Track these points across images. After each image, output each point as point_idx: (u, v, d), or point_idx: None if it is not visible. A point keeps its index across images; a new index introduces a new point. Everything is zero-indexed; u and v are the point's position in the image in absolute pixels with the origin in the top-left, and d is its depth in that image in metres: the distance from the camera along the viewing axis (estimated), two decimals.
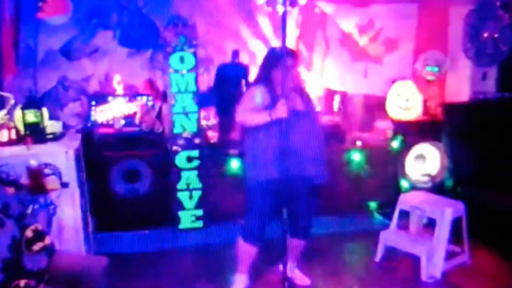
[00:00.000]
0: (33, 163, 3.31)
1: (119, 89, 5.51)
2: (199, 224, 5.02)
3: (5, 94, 3.80)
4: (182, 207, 4.98)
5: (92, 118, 5.19)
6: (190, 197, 4.97)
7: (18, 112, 3.71)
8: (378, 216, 5.32)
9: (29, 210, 2.44)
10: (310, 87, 5.46)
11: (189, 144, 4.94)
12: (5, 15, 4.78)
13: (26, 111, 3.63)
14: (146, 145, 4.97)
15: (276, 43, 5.72)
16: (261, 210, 3.42)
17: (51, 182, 3.40)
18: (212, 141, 5.70)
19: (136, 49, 5.93)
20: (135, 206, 4.91)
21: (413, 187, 5.24)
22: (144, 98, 5.29)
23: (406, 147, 5.37)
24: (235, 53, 6.07)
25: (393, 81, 5.54)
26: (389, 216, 4.53)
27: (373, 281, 4.02)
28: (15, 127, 3.64)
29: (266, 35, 6.25)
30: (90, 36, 5.77)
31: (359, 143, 5.47)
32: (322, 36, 6.20)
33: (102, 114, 5.19)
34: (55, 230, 3.45)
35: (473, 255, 4.15)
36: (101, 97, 5.30)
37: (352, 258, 4.46)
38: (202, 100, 5.21)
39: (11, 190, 2.68)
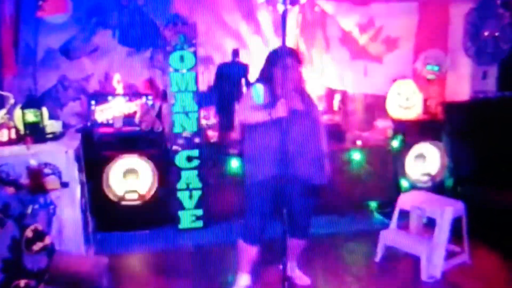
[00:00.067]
0: (33, 162, 3.32)
1: (119, 89, 5.50)
2: (199, 224, 5.02)
3: (4, 93, 3.81)
4: (182, 207, 4.98)
5: (92, 117, 5.18)
6: (190, 196, 4.97)
7: (18, 112, 3.72)
8: (378, 216, 5.33)
9: (29, 210, 2.45)
10: (311, 86, 5.45)
11: (189, 144, 4.94)
12: (5, 14, 4.78)
13: (26, 111, 3.64)
14: (146, 145, 4.97)
15: (276, 42, 5.72)
16: (260, 210, 3.42)
17: (51, 182, 3.41)
18: (212, 141, 5.70)
19: (136, 48, 5.92)
20: (135, 206, 4.90)
21: (413, 187, 5.25)
22: (144, 98, 5.29)
23: (406, 146, 5.37)
24: (235, 52, 6.07)
25: (394, 80, 5.55)
26: (389, 216, 4.53)
27: (373, 281, 4.02)
28: (15, 127, 3.65)
29: (266, 34, 6.25)
30: (90, 35, 5.76)
31: (359, 142, 5.48)
32: (322, 35, 6.20)
33: (102, 113, 5.18)
34: (55, 230, 3.45)
35: (473, 255, 4.16)
36: (101, 97, 5.29)
37: (352, 258, 4.45)
38: (202, 99, 5.21)
39: (11, 190, 2.69)
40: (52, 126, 3.91)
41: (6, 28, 4.80)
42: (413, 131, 5.38)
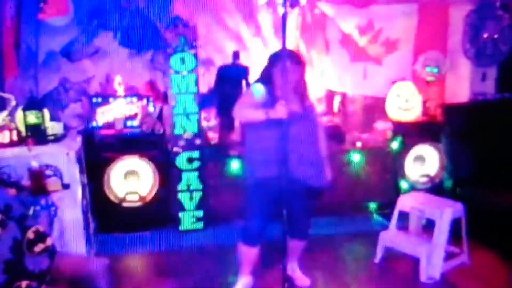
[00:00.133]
0: (35, 164, 3.34)
1: (120, 90, 5.52)
2: (200, 225, 5.03)
3: (6, 95, 3.81)
4: (183, 208, 4.99)
5: (93, 119, 5.21)
6: (191, 198, 4.98)
7: (19, 114, 3.73)
8: (377, 217, 5.33)
9: (31, 212, 2.46)
10: (311, 88, 5.48)
11: (189, 145, 4.94)
12: (7, 16, 4.79)
13: (28, 113, 3.66)
14: (146, 146, 4.98)
15: (276, 44, 5.74)
16: (259, 211, 3.44)
17: (52, 184, 3.43)
18: (212, 142, 5.72)
19: (137, 50, 5.95)
20: (136, 208, 4.92)
21: (413, 188, 5.24)
22: (145, 100, 5.30)
23: (406, 148, 5.37)
24: (236, 54, 6.10)
25: (393, 82, 5.55)
26: (388, 217, 4.52)
27: (372, 282, 4.03)
28: (17, 129, 3.67)
29: (267, 36, 6.27)
30: (91, 37, 5.79)
31: (359, 144, 5.49)
32: (322, 37, 6.22)
33: (103, 115, 5.20)
34: (57, 232, 3.47)
35: (472, 256, 4.16)
36: (102, 98, 5.31)
37: (351, 259, 4.45)
38: (203, 101, 5.23)
39: (12, 191, 2.71)
40: (53, 128, 3.93)
41: (7, 30, 4.81)
42: (413, 133, 5.37)
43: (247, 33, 6.30)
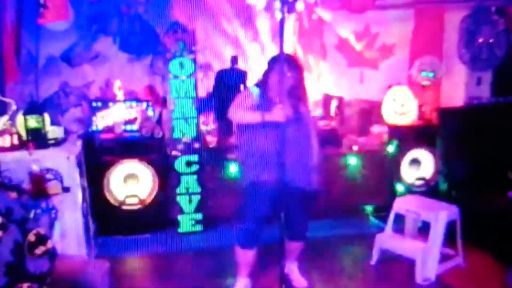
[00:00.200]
0: (35, 168, 3.37)
1: (120, 95, 5.55)
2: (199, 228, 5.06)
3: (7, 99, 3.83)
4: (182, 211, 5.01)
5: (93, 123, 5.24)
6: (190, 201, 5.00)
7: (20, 118, 3.74)
8: (373, 220, 5.36)
9: (32, 215, 2.45)
10: (310, 93, 5.52)
11: (188, 149, 4.96)
12: (7, 21, 4.82)
13: (28, 117, 3.67)
14: (146, 150, 5.01)
15: (274, 49, 5.77)
16: (254, 214, 3.46)
17: (53, 187, 3.45)
18: (211, 146, 5.74)
19: (136, 55, 5.98)
20: (135, 211, 4.95)
21: (408, 191, 5.27)
22: (144, 104, 5.34)
23: (402, 151, 5.39)
24: (234, 59, 6.13)
25: (389, 87, 5.58)
26: (384, 220, 4.55)
27: (368, 284, 4.06)
28: (17, 133, 3.67)
29: (265, 41, 6.31)
30: (91, 42, 5.82)
31: (355, 147, 5.51)
32: (319, 42, 6.25)
33: (102, 119, 5.23)
34: (57, 234, 3.49)
35: (467, 258, 4.19)
36: (101, 103, 5.34)
37: (348, 261, 4.48)
38: (201, 105, 5.25)
39: (13, 195, 2.73)
40: (53, 132, 3.94)
41: (8, 35, 4.84)
42: (408, 137, 5.39)
43: (245, 38, 6.33)
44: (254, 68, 6.14)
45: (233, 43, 6.29)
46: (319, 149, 3.66)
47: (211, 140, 5.95)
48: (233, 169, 5.03)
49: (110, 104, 5.30)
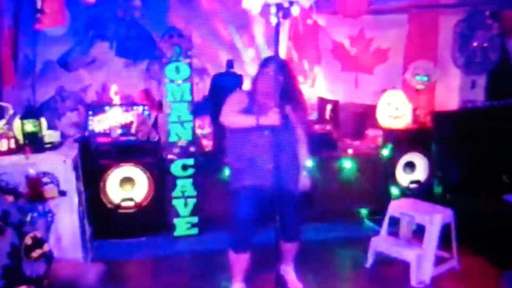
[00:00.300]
0: (32, 172, 3.39)
1: (116, 99, 5.56)
2: (194, 231, 5.06)
3: (4, 104, 3.85)
4: (177, 215, 5.03)
5: (90, 127, 5.25)
6: (185, 204, 5.01)
7: (17, 122, 3.77)
8: (368, 223, 5.37)
9: (28, 218, 2.47)
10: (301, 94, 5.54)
11: (184, 153, 4.98)
12: (4, 27, 4.83)
13: (25, 121, 3.70)
14: (142, 154, 5.01)
15: (269, 53, 5.79)
16: (244, 218, 3.47)
17: (50, 191, 3.47)
18: (207, 150, 5.75)
19: (133, 59, 5.99)
20: (131, 214, 4.95)
21: (403, 194, 5.29)
22: (140, 108, 5.35)
23: (396, 155, 5.41)
24: (230, 63, 6.15)
25: (383, 90, 5.60)
26: (379, 223, 4.57)
27: (364, 286, 4.09)
28: (14, 137, 3.70)
29: (260, 46, 6.34)
30: (88, 47, 5.84)
31: (350, 151, 5.52)
32: (314, 46, 6.27)
33: (99, 123, 5.24)
34: (54, 238, 3.50)
35: (461, 261, 4.21)
36: (98, 107, 5.35)
37: (343, 264, 4.51)
38: (197, 109, 5.26)
39: (10, 198, 2.74)
40: (50, 136, 3.97)
41: (5, 40, 4.85)
42: (403, 140, 5.42)
43: (240, 43, 6.36)
44: (250, 72, 6.16)
45: (228, 48, 6.31)
46: (307, 151, 3.67)
47: (207, 144, 5.96)
48: (228, 172, 5.03)
49: (107, 108, 5.31)
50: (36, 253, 2.26)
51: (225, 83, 5.96)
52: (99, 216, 4.67)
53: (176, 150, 4.97)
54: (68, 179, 3.60)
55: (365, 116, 5.92)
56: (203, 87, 6.23)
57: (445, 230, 4.06)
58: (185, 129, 4.97)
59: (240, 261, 3.60)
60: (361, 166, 5.39)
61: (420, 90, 5.72)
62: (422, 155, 5.47)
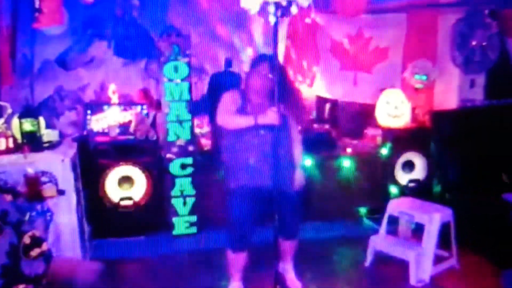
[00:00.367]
0: (30, 171, 3.37)
1: (114, 98, 5.56)
2: (193, 230, 5.07)
3: (2, 103, 3.84)
4: (176, 214, 5.03)
5: (88, 126, 5.24)
6: (184, 203, 5.02)
7: (15, 121, 3.76)
8: (367, 222, 5.37)
9: (27, 217, 2.47)
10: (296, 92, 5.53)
11: (183, 152, 4.98)
12: (2, 25, 4.82)
13: (23, 120, 3.68)
14: (140, 153, 5.01)
15: (268, 52, 5.78)
16: (241, 217, 3.47)
17: (48, 190, 3.46)
18: (205, 149, 5.75)
19: (131, 59, 5.98)
20: (130, 213, 4.95)
21: (402, 193, 5.29)
22: (139, 107, 5.35)
23: (395, 154, 5.43)
24: (228, 62, 6.15)
25: (382, 90, 5.61)
26: (378, 222, 4.58)
27: (363, 286, 4.10)
28: (13, 136, 3.70)
29: (259, 45, 6.33)
30: (86, 46, 5.82)
31: (349, 150, 5.53)
32: (313, 45, 6.26)
33: (97, 122, 5.23)
34: (52, 237, 3.49)
35: (461, 260, 4.22)
36: (96, 106, 5.35)
37: (342, 263, 4.51)
38: (196, 108, 5.26)
39: (9, 197, 2.74)
40: (49, 135, 3.97)
41: (3, 39, 4.83)
42: (402, 139, 5.43)
43: (239, 41, 6.35)
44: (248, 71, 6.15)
45: (227, 47, 6.31)
46: (301, 150, 3.68)
47: (206, 143, 5.96)
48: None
49: (105, 107, 5.30)
50: (34, 252, 2.25)
51: (224, 82, 5.95)
52: (98, 215, 4.67)
53: (175, 149, 4.97)
54: (66, 178, 3.60)
55: (364, 115, 5.92)
56: (202, 86, 6.21)
57: (444, 229, 4.06)
58: (184, 128, 4.97)
59: (238, 260, 3.60)
60: (360, 165, 5.41)
61: (419, 89, 5.73)
62: (421, 154, 5.48)
